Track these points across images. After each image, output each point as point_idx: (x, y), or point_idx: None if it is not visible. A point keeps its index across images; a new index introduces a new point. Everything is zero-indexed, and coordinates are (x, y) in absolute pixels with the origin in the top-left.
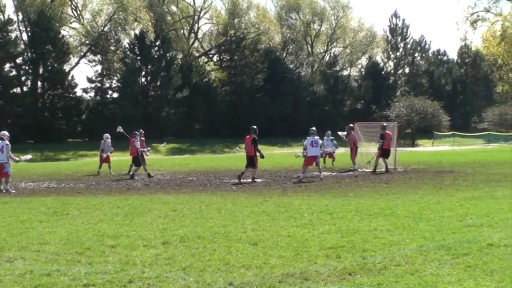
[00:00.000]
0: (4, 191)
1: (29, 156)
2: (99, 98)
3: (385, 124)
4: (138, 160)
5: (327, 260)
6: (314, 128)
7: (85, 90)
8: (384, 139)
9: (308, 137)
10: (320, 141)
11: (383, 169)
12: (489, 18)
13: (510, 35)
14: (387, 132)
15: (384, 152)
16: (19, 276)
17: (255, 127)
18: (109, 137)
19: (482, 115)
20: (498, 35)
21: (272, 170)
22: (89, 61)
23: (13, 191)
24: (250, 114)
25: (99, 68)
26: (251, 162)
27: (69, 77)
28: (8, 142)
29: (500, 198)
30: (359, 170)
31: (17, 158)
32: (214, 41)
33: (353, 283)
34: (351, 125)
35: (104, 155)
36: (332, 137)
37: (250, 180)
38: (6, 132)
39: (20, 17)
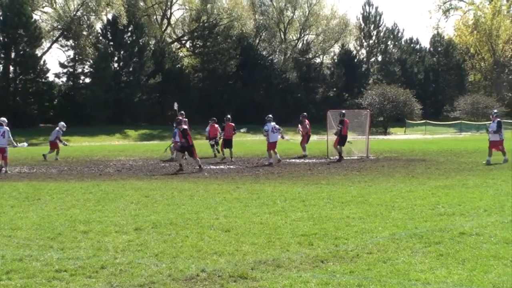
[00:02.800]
0: (4, 172)
1: (25, 144)
2: (71, 83)
3: (344, 111)
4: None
5: (299, 247)
6: (271, 116)
7: (57, 75)
8: (342, 126)
9: (267, 123)
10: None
11: (337, 157)
12: (462, 7)
13: (482, 24)
14: (346, 119)
15: (341, 139)
16: None
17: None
18: (65, 126)
19: (454, 104)
20: (471, 24)
21: (244, 157)
22: (61, 46)
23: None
24: (222, 101)
25: (71, 53)
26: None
27: (41, 62)
28: (7, 128)
29: (472, 187)
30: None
31: (15, 144)
32: (187, 27)
33: (325, 271)
34: (304, 113)
35: (58, 142)
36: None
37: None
38: (4, 119)
39: None
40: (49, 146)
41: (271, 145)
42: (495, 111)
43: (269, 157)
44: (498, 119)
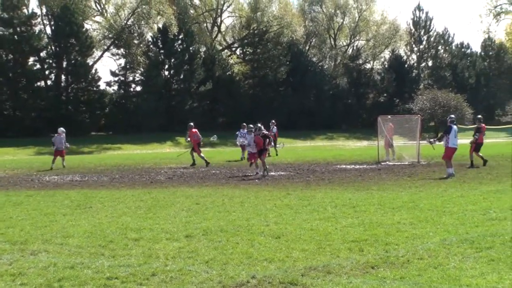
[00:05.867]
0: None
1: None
2: (122, 91)
3: (479, 116)
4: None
5: (350, 253)
6: (259, 125)
7: (108, 84)
8: (480, 133)
9: (246, 133)
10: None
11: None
12: None
13: None
14: (483, 125)
15: (477, 146)
16: (42, 269)
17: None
18: (64, 131)
19: (505, 108)
20: None
21: (295, 163)
22: (112, 54)
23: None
24: (273, 107)
25: (122, 61)
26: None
27: (93, 71)
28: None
29: None
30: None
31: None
32: (237, 35)
33: (376, 277)
34: (273, 121)
35: (59, 149)
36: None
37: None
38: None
39: (44, 11)
40: (59, 155)
41: (255, 155)
42: None
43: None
44: None
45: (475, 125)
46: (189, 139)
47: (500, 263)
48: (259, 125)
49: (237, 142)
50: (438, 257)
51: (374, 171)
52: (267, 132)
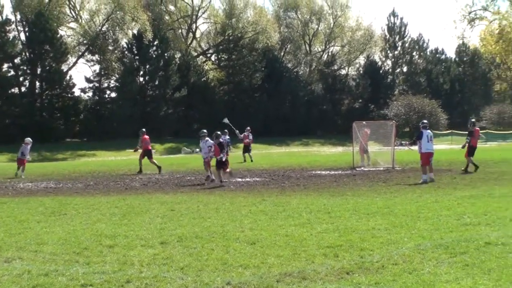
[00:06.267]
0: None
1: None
2: (97, 98)
3: (473, 120)
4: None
5: (325, 259)
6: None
7: (83, 90)
8: (472, 136)
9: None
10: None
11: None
12: (487, 16)
13: (507, 34)
14: (476, 128)
15: (471, 150)
16: (17, 276)
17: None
18: (31, 142)
19: (480, 114)
20: (496, 33)
21: (270, 169)
22: (87, 61)
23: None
24: (248, 114)
25: (97, 68)
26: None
27: (67, 77)
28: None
29: (498, 196)
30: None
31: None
32: (212, 41)
33: (351, 282)
34: (248, 128)
35: (26, 158)
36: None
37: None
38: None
39: (18, 17)
40: (20, 164)
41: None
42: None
43: (211, 173)
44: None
45: (469, 129)
46: (139, 145)
47: (474, 268)
48: (218, 132)
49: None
50: (413, 262)
51: (349, 177)
52: (223, 141)
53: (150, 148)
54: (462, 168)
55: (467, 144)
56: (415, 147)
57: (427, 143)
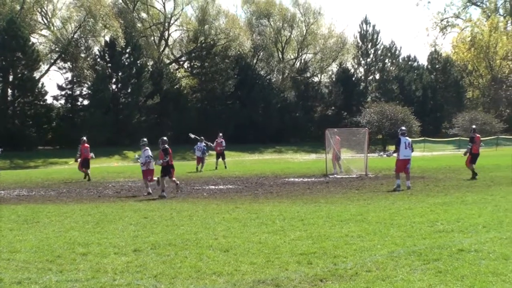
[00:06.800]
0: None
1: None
2: (70, 105)
3: (474, 127)
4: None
5: (298, 266)
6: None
7: (55, 98)
8: (473, 143)
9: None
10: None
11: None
12: (459, 24)
13: (479, 41)
14: (477, 135)
15: (473, 157)
16: None
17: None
18: (2, 150)
19: (452, 121)
20: (468, 41)
21: (243, 176)
22: (59, 68)
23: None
24: (221, 121)
25: (69, 75)
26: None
27: (39, 85)
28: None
29: (470, 203)
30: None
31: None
32: (185, 48)
33: None
34: (220, 134)
35: None
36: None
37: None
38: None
39: None
40: None
41: (150, 172)
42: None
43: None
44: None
45: (470, 136)
46: (79, 154)
47: (447, 274)
48: (165, 138)
49: (196, 155)
50: (386, 270)
51: (322, 184)
52: (168, 147)
53: (89, 157)
54: (470, 178)
55: (468, 151)
56: (395, 155)
57: (404, 150)
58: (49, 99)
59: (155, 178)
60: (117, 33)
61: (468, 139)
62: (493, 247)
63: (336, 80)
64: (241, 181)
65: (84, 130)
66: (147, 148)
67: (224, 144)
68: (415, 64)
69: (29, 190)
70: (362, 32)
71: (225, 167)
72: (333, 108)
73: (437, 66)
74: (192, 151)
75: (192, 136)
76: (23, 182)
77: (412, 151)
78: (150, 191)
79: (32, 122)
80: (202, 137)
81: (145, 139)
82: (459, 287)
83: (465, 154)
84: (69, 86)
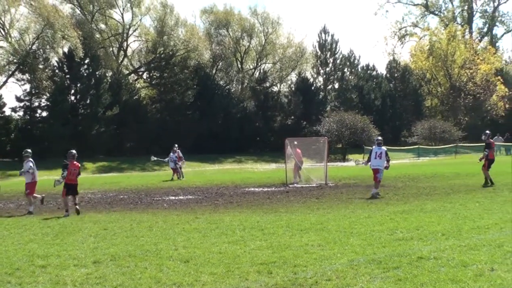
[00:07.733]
0: None
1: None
2: (28, 117)
3: (488, 132)
4: None
5: (258, 276)
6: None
7: (13, 109)
8: (490, 149)
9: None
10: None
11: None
12: (417, 33)
13: (437, 49)
14: (492, 141)
15: (489, 163)
16: None
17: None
18: None
19: (411, 129)
20: (426, 49)
21: (203, 187)
22: (17, 80)
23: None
24: (180, 131)
25: (27, 87)
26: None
27: None
28: None
29: (430, 211)
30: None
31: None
32: (144, 59)
33: None
34: (176, 145)
35: None
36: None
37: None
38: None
39: None
40: None
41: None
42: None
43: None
44: None
45: (485, 141)
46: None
47: (407, 282)
48: (72, 151)
49: (170, 166)
50: (346, 278)
51: (282, 193)
52: (68, 162)
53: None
54: (482, 184)
55: (484, 157)
56: (369, 164)
57: (374, 159)
58: (7, 111)
59: (38, 196)
60: (75, 44)
61: (484, 144)
62: (452, 255)
63: (296, 90)
64: (201, 191)
65: (43, 142)
66: (30, 159)
67: (181, 154)
68: (374, 73)
69: None
70: (321, 42)
71: (182, 177)
72: (292, 117)
73: (395, 74)
74: (170, 162)
75: (155, 158)
76: None
77: (388, 160)
78: (32, 210)
79: None
80: (176, 146)
81: (29, 150)
82: None
83: (481, 159)
84: (27, 98)
